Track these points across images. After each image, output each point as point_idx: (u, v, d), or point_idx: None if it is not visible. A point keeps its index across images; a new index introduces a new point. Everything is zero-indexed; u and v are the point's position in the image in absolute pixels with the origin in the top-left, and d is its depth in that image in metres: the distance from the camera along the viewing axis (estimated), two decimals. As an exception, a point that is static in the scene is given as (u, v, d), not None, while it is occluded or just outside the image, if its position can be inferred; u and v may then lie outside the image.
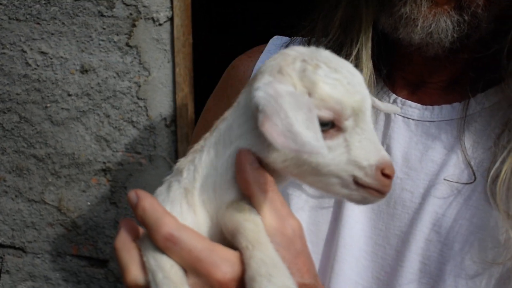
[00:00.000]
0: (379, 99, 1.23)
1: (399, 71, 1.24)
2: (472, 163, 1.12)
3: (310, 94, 0.81)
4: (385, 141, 1.20)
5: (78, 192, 2.08)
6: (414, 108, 1.20)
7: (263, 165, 0.86)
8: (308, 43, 1.24)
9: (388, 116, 1.22)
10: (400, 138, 1.19)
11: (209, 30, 4.02)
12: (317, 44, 1.21)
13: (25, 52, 2.07)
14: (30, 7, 2.06)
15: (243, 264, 0.79)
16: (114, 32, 2.03)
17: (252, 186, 0.84)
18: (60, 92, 2.06)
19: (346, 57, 1.16)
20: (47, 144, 2.07)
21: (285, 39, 1.36)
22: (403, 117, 1.20)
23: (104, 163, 2.06)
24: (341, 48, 1.18)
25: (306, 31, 1.27)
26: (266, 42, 1.38)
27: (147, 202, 0.83)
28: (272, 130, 0.74)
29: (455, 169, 1.14)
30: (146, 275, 0.82)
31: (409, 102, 1.21)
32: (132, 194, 0.84)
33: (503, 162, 1.05)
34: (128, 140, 2.05)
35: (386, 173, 0.80)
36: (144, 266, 0.82)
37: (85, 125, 2.06)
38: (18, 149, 2.09)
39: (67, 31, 2.05)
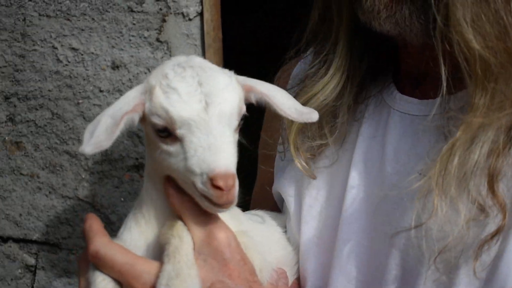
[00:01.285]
0: (385, 96, 1.24)
1: (402, 66, 1.24)
2: None
3: (150, 100, 0.88)
4: (383, 137, 1.20)
5: (112, 188, 2.08)
6: (410, 103, 1.20)
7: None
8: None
9: (388, 112, 1.22)
10: (394, 133, 1.19)
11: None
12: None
13: (56, 48, 2.07)
14: (60, 3, 2.05)
15: None
16: (144, 27, 2.02)
17: (179, 208, 0.93)
18: (91, 88, 2.06)
19: (322, 51, 1.20)
20: (80, 140, 2.07)
21: None
22: (400, 112, 1.20)
23: (137, 159, 2.06)
24: (321, 47, 1.21)
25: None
26: None
27: (87, 223, 0.98)
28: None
29: None
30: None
31: (406, 97, 1.20)
32: (86, 216, 1.01)
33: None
34: (160, 135, 2.05)
35: (216, 185, 0.83)
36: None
37: (117, 121, 2.06)
38: (51, 146, 2.10)
39: (97, 27, 2.04)
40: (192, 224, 0.92)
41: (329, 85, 1.18)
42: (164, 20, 2.00)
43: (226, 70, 0.95)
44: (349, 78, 1.17)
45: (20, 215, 2.12)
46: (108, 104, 2.05)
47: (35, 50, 2.08)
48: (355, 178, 1.21)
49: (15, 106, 2.10)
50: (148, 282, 0.89)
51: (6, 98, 2.11)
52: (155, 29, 2.01)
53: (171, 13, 2.00)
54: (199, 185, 0.85)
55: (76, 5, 2.04)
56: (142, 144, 2.06)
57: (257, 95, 0.96)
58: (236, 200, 0.86)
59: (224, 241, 0.93)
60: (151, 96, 0.88)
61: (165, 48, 2.00)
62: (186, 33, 1.99)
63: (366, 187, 1.20)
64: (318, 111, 1.09)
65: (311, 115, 0.98)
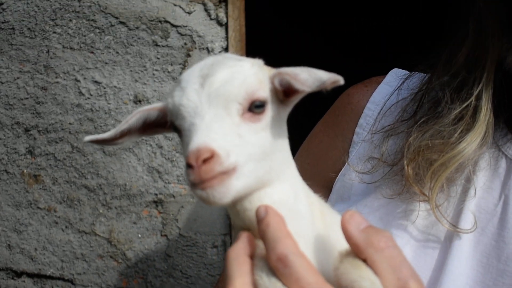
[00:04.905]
0: (502, 146, 1.16)
1: None
2: None
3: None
4: (504, 191, 1.12)
5: (129, 224, 2.04)
6: None
7: None
8: (430, 79, 1.19)
9: (510, 165, 1.15)
10: None
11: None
12: (437, 80, 1.17)
13: (78, 81, 2.06)
14: (85, 36, 2.05)
15: None
16: (168, 62, 2.00)
17: (364, 250, 0.78)
18: (113, 122, 2.03)
19: (467, 96, 1.11)
20: (99, 175, 2.05)
21: (404, 72, 1.32)
22: None
23: (156, 194, 2.02)
24: (462, 87, 1.13)
25: (425, 66, 1.22)
26: None
27: (274, 219, 0.80)
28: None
29: None
30: None
31: None
32: (261, 207, 0.81)
33: None
34: (181, 171, 2.01)
35: (187, 162, 0.75)
36: (249, 284, 0.78)
37: (137, 156, 2.03)
38: (70, 180, 2.06)
39: (121, 60, 2.03)
40: (384, 268, 0.78)
41: (477, 138, 1.10)
42: (188, 55, 1.99)
43: (251, 59, 0.86)
44: (489, 129, 1.11)
45: (36, 249, 2.08)
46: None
47: (57, 82, 2.07)
48: (463, 227, 1.13)
49: (35, 138, 2.08)
50: None
51: (26, 130, 2.09)
52: (179, 64, 1.99)
53: (195, 48, 1.98)
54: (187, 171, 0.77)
55: (101, 38, 2.03)
56: (162, 180, 2.02)
57: (279, 76, 0.83)
58: (220, 181, 0.76)
59: None
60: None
61: (189, 83, 1.98)
62: (210, 69, 1.97)
63: (478, 241, 1.12)
64: (459, 164, 1.07)
65: (335, 80, 0.78)
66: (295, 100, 0.86)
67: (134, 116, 0.88)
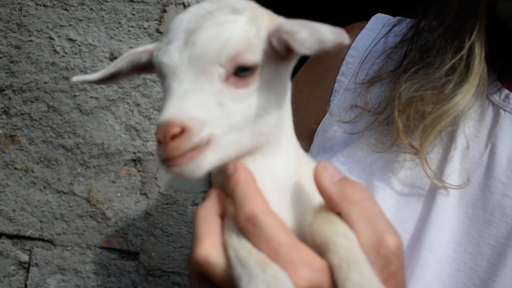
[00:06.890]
0: (490, 94, 1.12)
1: None
2: None
3: None
4: (491, 139, 1.10)
5: (108, 183, 2.02)
6: None
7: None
8: (417, 25, 1.15)
9: (497, 113, 1.11)
10: (507, 138, 1.08)
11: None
12: (427, 26, 1.13)
13: (52, 39, 2.02)
14: (58, -7, 2.00)
15: (330, 279, 0.70)
16: (144, 18, 1.96)
17: (339, 203, 0.74)
18: (88, 80, 2.00)
19: (460, 45, 1.07)
20: (76, 134, 2.02)
21: (388, 17, 1.28)
22: None
23: (134, 153, 2.01)
24: (454, 37, 1.08)
25: (416, 11, 1.18)
26: None
27: (242, 175, 0.76)
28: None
29: None
30: (219, 253, 0.74)
31: None
32: (230, 164, 0.76)
33: None
34: (159, 129, 1.99)
35: (157, 136, 0.70)
36: (218, 244, 0.75)
37: (115, 114, 2.00)
38: (46, 139, 2.03)
39: (96, 17, 1.99)
40: (359, 222, 0.73)
41: (471, 89, 1.07)
42: (164, 11, 1.95)
43: (252, 9, 0.76)
44: (483, 79, 1.09)
45: (14, 210, 2.06)
46: (105, 96, 2.00)
47: (31, 41, 2.03)
48: (449, 178, 1.09)
49: (9, 98, 2.04)
50: (307, 277, 0.70)
51: (1, 90, 2.05)
52: (155, 20, 1.96)
53: (171, 3, 1.94)
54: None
55: (74, -5, 1.99)
56: (140, 138, 2.00)
57: (276, 34, 0.74)
58: (188, 160, 0.70)
59: (394, 250, 0.74)
60: None
61: (165, 39, 1.95)
62: (187, 24, 1.93)
63: (464, 191, 1.09)
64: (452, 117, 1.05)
65: (339, 41, 0.69)
66: (298, 55, 0.78)
67: (124, 59, 0.83)
